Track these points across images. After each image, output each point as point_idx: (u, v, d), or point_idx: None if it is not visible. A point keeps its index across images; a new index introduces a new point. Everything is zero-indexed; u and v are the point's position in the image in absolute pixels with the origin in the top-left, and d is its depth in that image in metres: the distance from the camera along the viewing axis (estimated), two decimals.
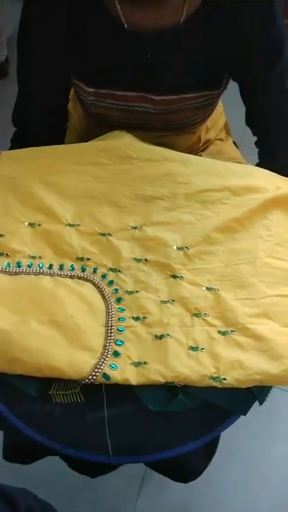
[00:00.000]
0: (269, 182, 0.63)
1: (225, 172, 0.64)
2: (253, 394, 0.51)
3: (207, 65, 0.62)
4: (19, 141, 0.69)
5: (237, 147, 0.89)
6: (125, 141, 0.65)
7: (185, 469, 0.60)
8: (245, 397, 0.51)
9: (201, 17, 0.58)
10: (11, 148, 0.70)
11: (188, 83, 0.63)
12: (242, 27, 0.58)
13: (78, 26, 0.59)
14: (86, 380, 0.49)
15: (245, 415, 0.51)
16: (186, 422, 0.50)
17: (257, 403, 0.51)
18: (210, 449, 0.58)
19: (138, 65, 0.61)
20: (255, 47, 0.61)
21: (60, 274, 0.56)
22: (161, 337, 0.52)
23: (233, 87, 0.70)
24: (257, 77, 0.64)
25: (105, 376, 0.49)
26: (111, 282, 0.56)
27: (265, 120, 0.70)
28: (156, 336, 0.52)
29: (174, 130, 0.72)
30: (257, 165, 0.71)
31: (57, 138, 0.73)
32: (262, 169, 0.66)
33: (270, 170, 0.66)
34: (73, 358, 0.49)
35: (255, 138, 0.74)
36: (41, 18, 0.59)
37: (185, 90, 0.64)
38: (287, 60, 0.63)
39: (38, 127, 0.69)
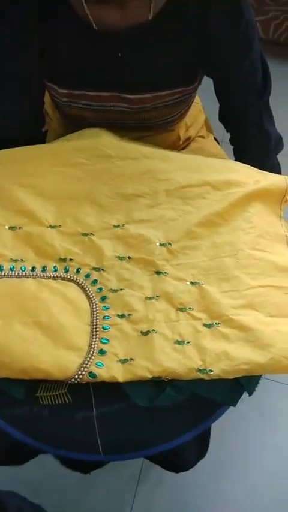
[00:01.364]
0: (248, 176, 0.64)
1: (205, 167, 0.65)
2: (241, 385, 0.51)
3: (179, 61, 0.63)
4: None
5: (218, 143, 0.90)
6: (103, 140, 0.65)
7: (178, 459, 0.60)
8: (234, 389, 0.51)
9: (169, 13, 0.58)
10: None
11: (161, 80, 0.64)
12: (209, 22, 0.58)
13: (47, 27, 0.60)
14: (73, 380, 0.49)
15: (234, 406, 0.51)
16: (175, 416, 0.50)
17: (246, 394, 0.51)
18: (202, 441, 0.59)
19: (109, 65, 0.61)
20: (223, 42, 0.61)
21: (43, 276, 0.55)
22: (146, 333, 0.52)
23: (212, 84, 0.71)
24: (228, 72, 0.65)
25: (91, 374, 0.49)
26: (95, 281, 0.56)
27: (236, 117, 0.71)
28: (141, 332, 0.52)
29: (152, 128, 0.72)
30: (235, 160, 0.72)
31: (35, 141, 0.73)
32: (241, 163, 0.66)
33: None
34: (59, 358, 0.49)
35: None
36: (10, 23, 0.59)
37: (159, 88, 0.64)
38: (257, 56, 0.64)
39: (15, 131, 0.69)
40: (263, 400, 1.01)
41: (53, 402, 0.49)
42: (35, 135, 0.74)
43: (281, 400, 1.03)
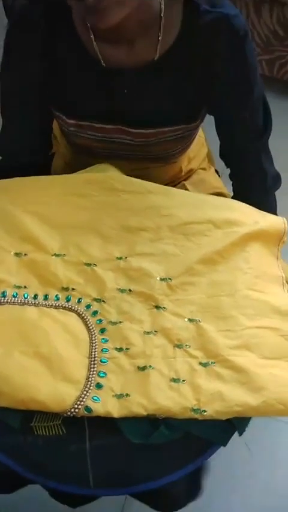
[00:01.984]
0: (247, 216, 0.66)
1: (207, 205, 0.67)
2: (233, 424, 0.52)
3: (183, 100, 0.65)
4: (5, 170, 0.70)
5: (219, 175, 0.92)
6: (112, 174, 0.67)
7: (168, 499, 0.60)
8: (225, 428, 0.52)
9: (175, 54, 0.60)
10: None
11: (164, 117, 0.66)
12: (214, 65, 0.61)
13: (57, 61, 0.62)
14: (69, 413, 0.49)
15: (224, 445, 0.52)
16: (167, 453, 0.51)
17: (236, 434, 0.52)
18: (193, 480, 0.59)
19: (114, 100, 0.64)
20: (226, 84, 0.63)
21: (45, 304, 0.56)
22: (143, 368, 0.53)
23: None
24: (229, 113, 0.68)
25: (87, 409, 0.49)
26: (95, 312, 0.56)
27: (236, 155, 0.73)
28: (139, 368, 0.53)
29: (155, 160, 0.75)
30: (233, 197, 0.74)
31: (43, 166, 0.75)
32: (240, 202, 0.68)
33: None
34: (56, 390, 0.49)
35: None
36: (21, 53, 0.61)
37: (162, 124, 0.66)
38: (259, 100, 0.67)
39: (23, 156, 0.71)
40: (263, 438, 1.00)
41: (47, 433, 0.50)
42: (43, 159, 0.76)
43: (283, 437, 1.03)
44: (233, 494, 0.97)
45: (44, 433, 0.50)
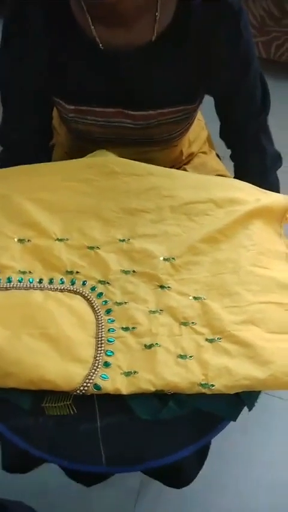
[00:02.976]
0: (250, 194, 0.66)
1: (208, 185, 0.67)
2: (242, 399, 0.52)
3: (181, 80, 0.65)
4: (6, 160, 0.71)
5: (220, 159, 0.92)
6: (111, 158, 0.67)
7: (179, 474, 0.60)
8: (234, 403, 0.52)
9: (172, 34, 0.60)
10: None
11: (164, 98, 0.66)
12: (209, 43, 0.61)
13: (56, 46, 0.62)
14: (78, 391, 0.50)
15: (234, 420, 0.52)
16: (178, 429, 0.51)
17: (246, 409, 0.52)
18: (202, 455, 0.59)
19: (114, 83, 0.64)
20: (223, 62, 0.63)
21: (50, 288, 0.57)
22: (150, 346, 0.53)
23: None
24: (227, 92, 0.67)
25: (96, 386, 0.50)
26: (100, 294, 0.57)
27: (235, 134, 0.73)
28: (145, 346, 0.53)
29: (155, 144, 0.74)
30: (235, 177, 0.74)
31: (43, 155, 0.75)
32: (242, 182, 0.68)
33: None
34: (65, 370, 0.50)
35: None
36: (20, 40, 0.61)
37: (162, 106, 0.66)
38: (256, 77, 0.66)
39: (24, 145, 0.71)
40: (263, 415, 1.02)
41: (58, 413, 0.50)
42: (43, 149, 0.76)
43: (280, 415, 1.04)
44: (229, 471, 0.97)
45: (55, 413, 0.50)
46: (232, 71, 0.65)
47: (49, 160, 0.80)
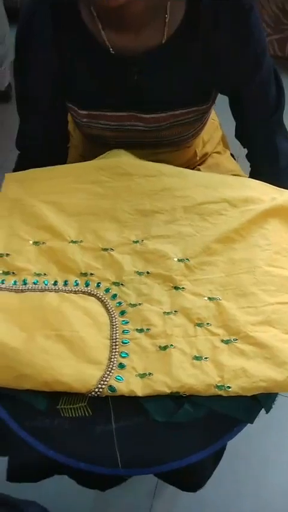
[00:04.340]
0: (265, 193, 0.65)
1: (221, 184, 0.66)
2: (259, 401, 0.51)
3: (192, 81, 0.65)
4: (23, 164, 0.72)
5: (235, 159, 0.91)
6: (123, 159, 0.67)
7: (194, 477, 0.60)
8: (251, 405, 0.51)
9: (181, 36, 0.60)
10: (15, 170, 0.73)
11: (176, 100, 0.66)
12: (219, 43, 0.60)
13: (67, 53, 0.62)
14: (93, 393, 0.50)
15: (251, 423, 0.51)
16: (193, 432, 0.51)
17: (263, 411, 0.51)
18: (217, 457, 0.59)
19: (126, 87, 0.64)
20: (233, 63, 0.63)
21: (65, 290, 0.57)
22: (165, 348, 0.53)
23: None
24: (239, 90, 0.67)
25: (111, 388, 0.50)
26: (114, 296, 0.57)
27: (249, 133, 0.72)
28: (160, 347, 0.53)
29: (168, 146, 0.74)
30: (250, 176, 0.73)
31: (59, 158, 0.76)
32: (256, 181, 0.67)
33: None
34: (79, 371, 0.50)
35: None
36: (33, 49, 0.62)
37: (174, 108, 0.66)
38: (269, 75, 0.65)
39: (40, 149, 0.72)
40: (280, 417, 1.00)
41: (74, 415, 0.50)
42: (59, 153, 0.77)
43: None
44: (246, 474, 0.96)
45: (70, 414, 0.50)
46: (243, 70, 0.64)
47: (65, 163, 0.81)
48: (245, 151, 0.77)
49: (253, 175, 0.75)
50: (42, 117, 0.69)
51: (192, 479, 0.60)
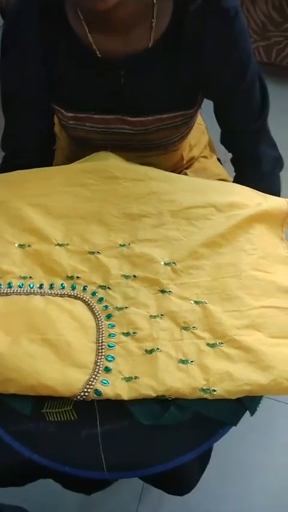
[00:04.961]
0: (250, 198, 0.65)
1: (208, 189, 0.66)
2: (244, 404, 0.52)
3: (178, 86, 0.65)
4: (8, 166, 0.71)
5: (221, 163, 0.92)
6: (110, 162, 0.67)
7: (180, 481, 0.60)
8: (236, 408, 0.52)
9: (168, 40, 0.60)
10: (0, 171, 0.72)
11: (162, 104, 0.66)
12: (204, 48, 0.61)
13: (54, 56, 0.62)
14: (78, 397, 0.49)
15: (235, 425, 0.52)
16: (179, 435, 0.51)
17: (248, 414, 0.52)
18: (203, 460, 0.59)
19: (112, 90, 0.64)
20: (218, 67, 0.63)
21: (51, 293, 0.57)
22: (151, 351, 0.53)
23: None
24: (224, 96, 0.67)
25: (97, 392, 0.50)
26: (101, 299, 0.57)
27: (233, 138, 0.73)
28: (146, 351, 0.53)
29: (155, 149, 0.75)
30: (234, 181, 0.74)
31: (45, 160, 0.75)
32: (242, 186, 0.68)
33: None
34: (65, 375, 0.50)
35: None
36: (19, 51, 0.62)
37: (160, 111, 0.66)
38: (254, 81, 0.66)
39: (26, 151, 0.71)
40: (264, 419, 1.01)
41: (59, 419, 0.50)
42: (45, 155, 0.76)
43: (282, 419, 1.04)
44: (231, 476, 0.97)
45: (56, 418, 0.50)
46: (228, 76, 0.65)
47: (51, 165, 0.80)
48: (231, 156, 0.78)
49: (237, 180, 0.76)
50: (28, 118, 0.69)
51: (178, 482, 0.60)
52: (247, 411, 0.52)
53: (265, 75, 0.69)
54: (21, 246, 0.60)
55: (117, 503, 0.93)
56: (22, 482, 0.63)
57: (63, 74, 0.64)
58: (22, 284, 0.57)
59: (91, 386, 0.50)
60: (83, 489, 0.62)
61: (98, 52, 0.61)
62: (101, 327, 0.54)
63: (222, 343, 0.54)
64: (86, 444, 0.50)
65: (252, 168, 0.73)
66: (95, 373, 0.51)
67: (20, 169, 0.67)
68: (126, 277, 0.59)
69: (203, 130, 0.91)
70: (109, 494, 0.66)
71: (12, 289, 0.56)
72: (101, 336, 0.54)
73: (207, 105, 0.73)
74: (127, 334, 0.54)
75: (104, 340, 0.53)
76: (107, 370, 0.51)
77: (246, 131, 0.70)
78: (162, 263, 0.60)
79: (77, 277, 0.58)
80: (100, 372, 0.51)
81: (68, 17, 0.60)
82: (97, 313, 0.56)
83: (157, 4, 0.59)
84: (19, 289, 0.57)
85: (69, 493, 0.64)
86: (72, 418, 0.50)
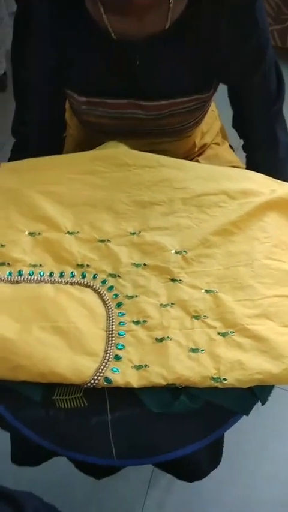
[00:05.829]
0: (264, 186, 0.64)
1: (221, 176, 0.65)
2: (255, 394, 0.51)
3: (194, 69, 0.63)
4: (19, 152, 0.71)
5: (233, 150, 0.90)
6: (121, 150, 0.66)
7: (191, 469, 0.60)
8: (247, 398, 0.51)
9: (185, 23, 0.59)
10: (11, 159, 0.72)
11: (177, 88, 0.65)
12: (222, 31, 0.59)
13: (67, 38, 0.61)
14: (89, 384, 0.49)
15: (247, 415, 0.51)
16: (189, 423, 0.51)
17: (260, 403, 0.52)
18: (214, 449, 0.59)
19: (127, 73, 0.63)
20: (236, 51, 0.62)
21: (61, 281, 0.57)
22: (161, 340, 0.53)
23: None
24: (240, 80, 0.66)
25: (107, 379, 0.50)
26: (111, 287, 0.57)
27: (248, 123, 0.71)
28: (156, 339, 0.53)
29: (168, 135, 0.73)
30: (246, 168, 0.72)
31: (55, 147, 0.75)
32: (256, 173, 0.66)
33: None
34: (75, 363, 0.50)
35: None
36: (32, 35, 0.61)
37: (175, 95, 0.65)
38: (271, 65, 0.64)
39: (36, 138, 0.71)
40: (276, 409, 1.01)
41: (69, 406, 0.50)
42: (56, 142, 0.76)
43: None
44: (240, 464, 0.97)
45: (66, 405, 0.50)
46: (246, 60, 0.63)
47: (61, 152, 0.80)
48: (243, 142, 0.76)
49: (250, 166, 0.74)
50: (40, 103, 0.68)
51: (189, 469, 0.61)
52: (258, 401, 0.51)
53: (279, 60, 0.67)
54: (31, 234, 0.60)
55: (127, 489, 0.94)
56: (37, 461, 0.63)
57: (77, 56, 0.63)
58: (32, 272, 0.57)
59: (101, 374, 0.50)
60: (93, 473, 0.63)
61: (113, 33, 0.59)
62: (111, 315, 0.54)
63: (233, 332, 0.53)
64: (96, 431, 0.50)
65: (269, 153, 0.72)
66: (105, 361, 0.51)
67: (30, 156, 0.67)
68: (137, 265, 0.58)
69: (215, 117, 0.89)
70: (118, 480, 0.66)
71: (23, 277, 0.56)
72: (111, 324, 0.53)
73: (219, 91, 0.71)
74: (137, 322, 0.54)
75: (114, 329, 0.53)
76: (117, 358, 0.51)
77: (262, 116, 0.69)
78: (173, 251, 0.59)
79: (87, 266, 0.58)
80: (110, 359, 0.51)
81: None
82: (107, 302, 0.55)
83: None
84: (29, 277, 0.57)
85: (78, 478, 0.65)
86: (82, 405, 0.51)
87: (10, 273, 0.57)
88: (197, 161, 0.82)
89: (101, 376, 0.49)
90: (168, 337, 0.53)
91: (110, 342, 0.52)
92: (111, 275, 0.57)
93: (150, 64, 0.62)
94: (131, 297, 0.56)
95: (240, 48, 0.62)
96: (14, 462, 0.62)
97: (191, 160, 0.82)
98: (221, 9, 0.57)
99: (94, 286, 0.57)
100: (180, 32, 0.60)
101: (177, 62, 0.63)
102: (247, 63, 0.63)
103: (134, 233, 0.60)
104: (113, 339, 0.52)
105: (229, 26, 0.59)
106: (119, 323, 0.54)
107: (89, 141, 0.74)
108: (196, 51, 0.62)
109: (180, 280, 0.57)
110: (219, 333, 0.53)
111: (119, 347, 0.52)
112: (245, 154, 0.77)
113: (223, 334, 0.53)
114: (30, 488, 0.45)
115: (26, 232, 0.60)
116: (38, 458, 0.63)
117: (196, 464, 0.59)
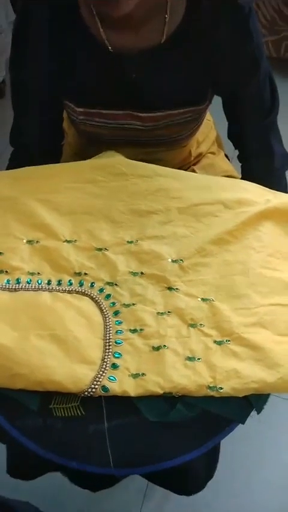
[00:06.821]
0: (259, 195, 0.65)
1: (216, 186, 0.66)
2: (250, 402, 0.52)
3: (190, 82, 0.65)
4: (17, 161, 0.71)
5: (229, 160, 0.91)
6: (119, 159, 0.67)
7: (187, 480, 0.60)
8: (243, 406, 0.52)
9: (181, 36, 0.60)
10: (9, 167, 0.72)
11: (173, 99, 0.66)
12: (218, 45, 0.61)
13: (65, 49, 0.62)
14: (86, 393, 0.50)
15: (243, 423, 0.52)
16: (186, 432, 0.51)
17: (255, 412, 0.52)
18: (211, 459, 0.59)
19: (123, 85, 0.64)
20: (231, 64, 0.63)
21: (59, 290, 0.57)
22: (158, 348, 0.53)
23: None
24: (235, 92, 0.67)
25: (104, 388, 0.50)
26: (108, 296, 0.57)
27: (243, 134, 0.73)
28: (153, 348, 0.53)
29: (164, 145, 0.74)
30: (241, 178, 0.74)
31: (53, 156, 0.76)
32: (251, 183, 0.68)
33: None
34: (72, 371, 0.50)
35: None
36: (31, 44, 0.62)
37: (171, 107, 0.66)
38: (265, 77, 0.66)
39: (35, 146, 0.72)
40: (273, 417, 1.01)
41: (66, 414, 0.50)
42: (54, 150, 0.77)
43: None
44: (237, 473, 0.97)
45: (63, 414, 0.50)
46: (241, 72, 0.64)
47: (59, 161, 0.80)
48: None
49: (245, 176, 0.75)
50: (38, 112, 0.69)
51: (185, 481, 0.60)
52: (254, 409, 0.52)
53: (273, 70, 0.69)
54: (29, 242, 0.60)
55: (122, 500, 0.93)
56: (32, 474, 0.63)
57: (75, 69, 0.64)
58: (30, 280, 0.57)
59: (98, 383, 0.50)
60: (89, 486, 0.62)
61: (110, 47, 0.61)
62: (108, 324, 0.54)
63: (229, 340, 0.53)
64: (93, 440, 0.50)
65: (263, 164, 0.73)
66: (102, 369, 0.51)
67: (28, 165, 0.67)
68: (134, 274, 0.59)
69: (211, 126, 0.91)
70: (114, 491, 0.66)
71: (21, 285, 0.57)
72: (108, 332, 0.54)
73: (215, 100, 0.72)
74: (134, 331, 0.54)
75: (111, 337, 0.53)
76: (114, 366, 0.51)
77: (257, 127, 0.70)
78: (170, 260, 0.59)
79: (85, 274, 0.58)
80: (107, 368, 0.51)
81: (81, 11, 0.60)
82: (104, 310, 0.56)
83: (170, 0, 0.58)
84: (27, 285, 0.57)
85: (74, 490, 0.65)
86: (79, 414, 0.50)
87: (8, 281, 0.57)
88: (193, 170, 0.83)
89: (98, 385, 0.50)
90: (164, 345, 0.53)
91: (107, 351, 0.52)
92: (108, 283, 0.58)
93: (146, 76, 0.63)
94: (128, 305, 0.56)
95: (235, 62, 0.63)
96: (9, 473, 0.61)
97: (186, 169, 0.83)
98: (216, 24, 0.59)
99: (91, 295, 0.57)
100: (176, 46, 0.61)
101: (173, 74, 0.64)
102: (241, 75, 0.65)
103: (131, 242, 0.61)
104: (110, 347, 0.53)
105: (225, 40, 0.60)
106: (116, 331, 0.54)
107: (86, 150, 0.74)
108: (192, 64, 0.63)
109: (176, 288, 0.58)
110: (215, 342, 0.53)
111: (116, 355, 0.52)
112: (240, 164, 0.78)
113: (219, 343, 0.53)
114: (27, 498, 0.45)
115: (24, 240, 0.60)
116: (31, 472, 0.62)
117: (192, 475, 0.59)
